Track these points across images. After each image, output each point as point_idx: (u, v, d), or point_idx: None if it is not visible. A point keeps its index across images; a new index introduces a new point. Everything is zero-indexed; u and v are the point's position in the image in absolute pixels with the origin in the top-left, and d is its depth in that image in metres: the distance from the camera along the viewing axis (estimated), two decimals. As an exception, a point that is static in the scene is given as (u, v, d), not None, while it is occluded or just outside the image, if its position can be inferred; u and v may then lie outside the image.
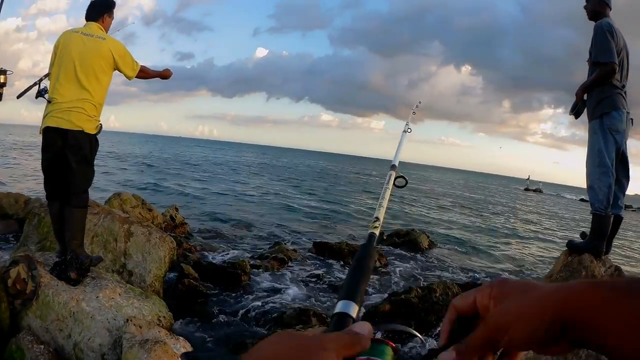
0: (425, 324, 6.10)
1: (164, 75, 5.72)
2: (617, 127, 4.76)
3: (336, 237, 13.08)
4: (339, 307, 0.67)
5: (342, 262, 9.74)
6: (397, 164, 1.70)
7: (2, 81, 5.52)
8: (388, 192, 1.34)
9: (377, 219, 1.05)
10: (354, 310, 0.67)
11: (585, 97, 5.03)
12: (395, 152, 1.93)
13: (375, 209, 1.11)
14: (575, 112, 5.05)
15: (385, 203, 1.22)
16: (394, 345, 0.63)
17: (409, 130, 2.28)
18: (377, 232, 0.96)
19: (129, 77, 5.38)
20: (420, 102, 2.86)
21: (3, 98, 5.61)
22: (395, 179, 1.55)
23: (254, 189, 26.29)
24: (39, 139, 5.05)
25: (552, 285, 0.54)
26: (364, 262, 0.78)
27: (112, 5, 5.37)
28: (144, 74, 5.53)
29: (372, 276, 6.52)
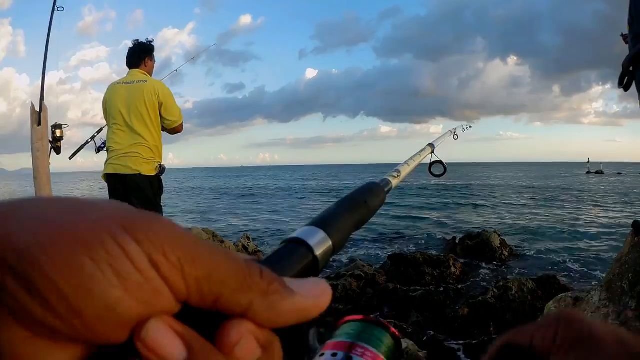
0: (503, 323, 6.07)
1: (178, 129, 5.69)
2: None
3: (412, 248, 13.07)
4: (296, 232, 0.46)
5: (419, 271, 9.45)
6: (436, 145, 1.63)
7: (58, 135, 5.84)
8: (418, 159, 1.30)
9: (399, 171, 0.99)
10: (317, 242, 0.45)
11: (631, 69, 4.83)
12: (438, 138, 1.87)
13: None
14: (625, 84, 4.87)
15: (411, 165, 1.18)
16: (397, 333, 0.53)
17: (456, 137, 2.36)
18: (393, 181, 0.88)
19: (169, 123, 5.38)
20: (470, 126, 2.85)
21: (61, 151, 5.91)
22: (433, 164, 1.56)
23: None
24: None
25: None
26: (360, 195, 0.62)
27: (151, 48, 5.51)
28: (177, 130, 5.58)
29: (449, 280, 6.58)
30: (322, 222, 0.48)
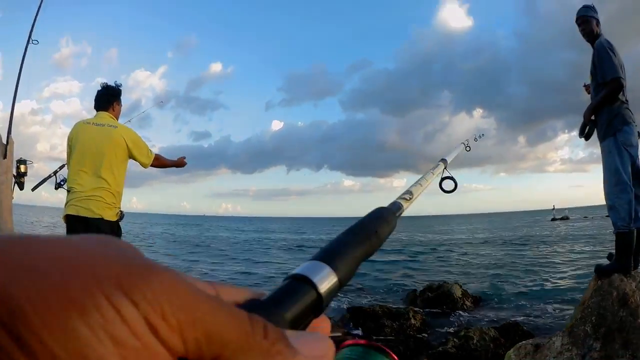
0: None
1: (179, 164, 5.80)
2: (630, 141, 4.83)
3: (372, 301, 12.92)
4: (300, 268, 0.42)
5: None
6: (449, 160, 1.59)
7: (22, 171, 5.91)
8: (431, 178, 1.24)
9: (411, 193, 0.92)
10: (321, 278, 0.41)
11: (592, 117, 5.06)
12: (451, 152, 1.81)
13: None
14: (586, 134, 5.11)
15: (424, 184, 1.11)
16: (395, 357, 0.51)
17: (468, 149, 2.26)
18: (405, 204, 0.80)
19: (144, 165, 5.41)
20: (482, 135, 2.69)
21: (25, 186, 5.98)
22: (443, 179, 1.49)
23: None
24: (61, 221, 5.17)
25: None
26: (369, 224, 0.55)
27: (119, 92, 5.50)
28: (159, 162, 5.58)
29: (409, 331, 6.40)
30: (327, 256, 0.44)
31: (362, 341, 0.52)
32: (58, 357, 0.24)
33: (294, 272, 0.41)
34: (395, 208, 0.71)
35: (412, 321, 9.41)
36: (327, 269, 0.42)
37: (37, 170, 5.90)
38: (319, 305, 0.40)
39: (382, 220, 0.58)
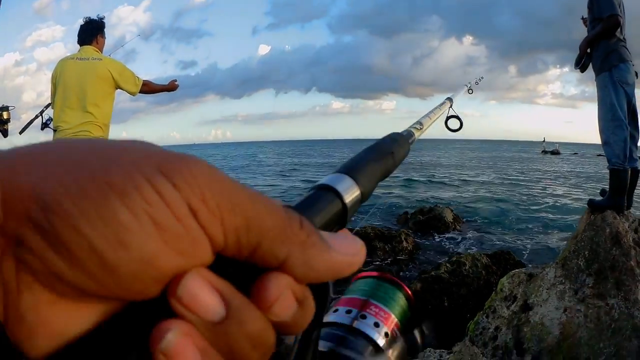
0: (457, 298, 6.10)
1: (170, 88, 5.75)
2: (626, 79, 4.79)
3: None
4: (325, 179, 0.43)
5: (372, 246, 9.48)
6: (454, 99, 1.61)
7: (5, 118, 5.71)
8: (439, 113, 1.28)
9: (421, 124, 0.95)
10: (346, 189, 0.42)
11: (588, 51, 5.03)
12: (456, 91, 1.90)
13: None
14: (582, 65, 5.07)
15: (432, 117, 1.15)
16: (410, 292, 0.53)
17: (471, 91, 2.36)
18: (416, 133, 0.84)
19: (132, 94, 5.38)
20: (482, 78, 2.82)
21: (9, 133, 5.79)
22: (449, 118, 1.55)
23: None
24: None
25: None
26: (386, 145, 0.57)
27: (102, 25, 5.40)
28: (148, 88, 5.55)
29: (401, 257, 6.55)
30: (350, 170, 0.45)
31: (375, 273, 0.54)
32: (96, 246, 0.24)
33: (319, 182, 0.42)
34: (408, 135, 0.74)
35: (404, 244, 9.51)
36: (351, 181, 0.43)
37: (26, 120, 5.68)
38: (344, 215, 0.41)
39: (397, 143, 0.60)
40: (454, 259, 7.03)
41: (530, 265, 5.94)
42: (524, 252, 9.80)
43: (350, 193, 0.42)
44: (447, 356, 3.94)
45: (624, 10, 4.84)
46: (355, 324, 0.48)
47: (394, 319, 0.49)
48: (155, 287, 0.26)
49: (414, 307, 0.52)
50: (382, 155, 0.54)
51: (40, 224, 0.24)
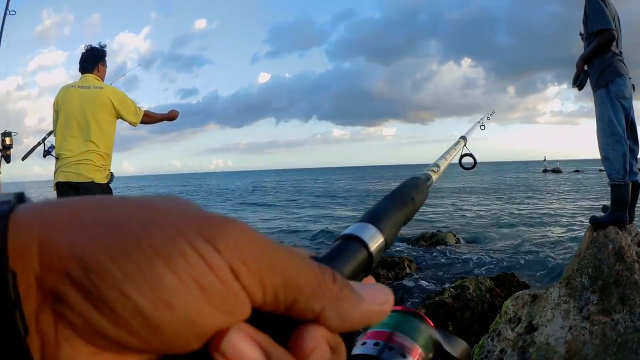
0: (462, 322, 6.03)
1: (171, 117, 5.72)
2: (623, 93, 4.76)
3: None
4: (350, 229, 0.44)
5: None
6: (468, 137, 1.64)
7: (8, 143, 5.69)
8: (454, 153, 1.30)
9: (438, 165, 0.98)
10: (370, 237, 0.43)
11: (585, 68, 5.01)
12: (469, 129, 1.91)
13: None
14: (579, 83, 5.06)
15: (448, 158, 1.17)
16: (433, 325, 0.54)
17: (483, 127, 2.32)
18: (434, 176, 0.84)
19: (133, 124, 5.34)
20: (493, 113, 2.81)
21: (12, 158, 5.78)
22: (463, 156, 1.54)
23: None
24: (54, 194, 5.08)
25: None
26: (407, 191, 0.59)
27: (104, 53, 5.40)
28: (149, 118, 5.52)
29: (404, 282, 6.48)
30: (373, 218, 0.46)
31: (399, 307, 0.54)
32: (141, 308, 0.25)
33: (344, 232, 0.43)
34: (426, 178, 0.75)
35: (408, 270, 9.59)
36: (375, 230, 0.44)
37: (28, 145, 5.74)
38: (369, 263, 0.42)
39: (417, 188, 0.61)
40: (458, 283, 6.99)
41: (535, 286, 5.86)
42: (527, 273, 9.72)
43: (375, 242, 0.43)
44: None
45: (619, 23, 4.85)
46: (384, 355, 0.50)
47: (418, 349, 0.51)
48: (197, 343, 0.27)
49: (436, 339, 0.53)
50: (404, 202, 0.55)
51: (82, 283, 0.24)
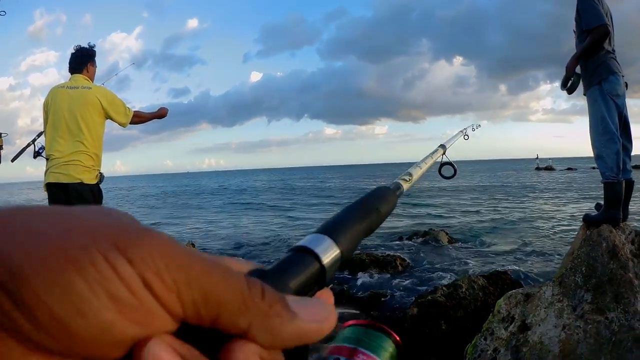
0: (455, 321, 6.01)
1: (160, 114, 5.72)
2: (616, 91, 4.75)
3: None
4: (303, 241, 0.42)
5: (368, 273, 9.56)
6: (447, 146, 1.64)
7: None
8: (430, 162, 1.29)
9: (410, 174, 0.97)
10: (324, 250, 0.42)
11: (577, 69, 4.99)
12: (450, 138, 1.91)
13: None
14: (569, 86, 5.00)
15: (423, 167, 1.17)
16: (399, 340, 0.51)
17: (467, 137, 2.37)
18: (404, 185, 0.83)
19: (122, 125, 5.36)
20: (479, 125, 2.87)
21: (2, 159, 5.82)
22: (443, 165, 1.55)
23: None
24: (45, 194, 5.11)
25: None
26: (371, 201, 0.57)
27: (93, 53, 5.41)
28: (139, 118, 5.53)
29: (396, 281, 6.45)
30: (330, 230, 0.45)
31: (364, 321, 0.52)
32: (56, 313, 0.25)
33: (297, 244, 0.42)
34: (395, 188, 0.74)
35: (400, 268, 9.58)
36: (330, 241, 0.43)
37: (20, 146, 5.74)
38: (322, 276, 0.41)
39: (383, 198, 0.60)
40: (450, 281, 7.00)
41: (527, 285, 5.85)
42: (520, 271, 9.70)
43: (329, 254, 0.42)
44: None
45: (612, 20, 4.83)
46: None
47: None
48: (117, 351, 0.27)
49: (402, 354, 0.50)
50: (366, 213, 0.54)
51: (8, 288, 0.25)
